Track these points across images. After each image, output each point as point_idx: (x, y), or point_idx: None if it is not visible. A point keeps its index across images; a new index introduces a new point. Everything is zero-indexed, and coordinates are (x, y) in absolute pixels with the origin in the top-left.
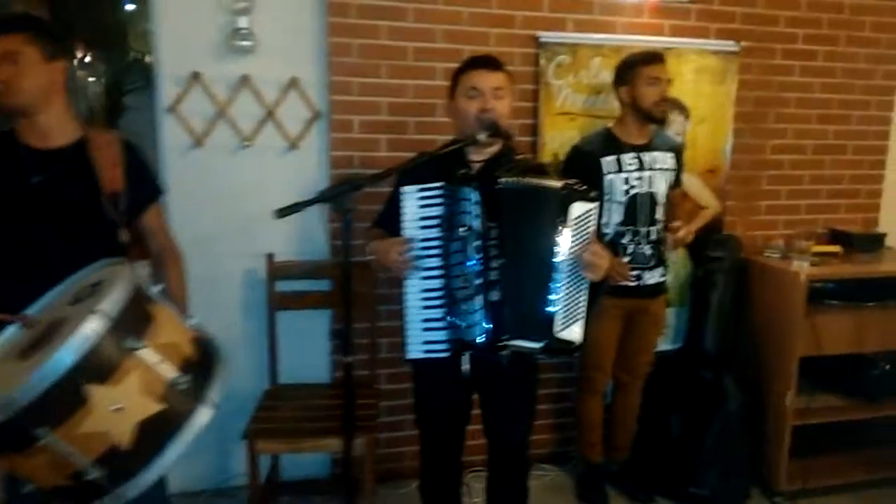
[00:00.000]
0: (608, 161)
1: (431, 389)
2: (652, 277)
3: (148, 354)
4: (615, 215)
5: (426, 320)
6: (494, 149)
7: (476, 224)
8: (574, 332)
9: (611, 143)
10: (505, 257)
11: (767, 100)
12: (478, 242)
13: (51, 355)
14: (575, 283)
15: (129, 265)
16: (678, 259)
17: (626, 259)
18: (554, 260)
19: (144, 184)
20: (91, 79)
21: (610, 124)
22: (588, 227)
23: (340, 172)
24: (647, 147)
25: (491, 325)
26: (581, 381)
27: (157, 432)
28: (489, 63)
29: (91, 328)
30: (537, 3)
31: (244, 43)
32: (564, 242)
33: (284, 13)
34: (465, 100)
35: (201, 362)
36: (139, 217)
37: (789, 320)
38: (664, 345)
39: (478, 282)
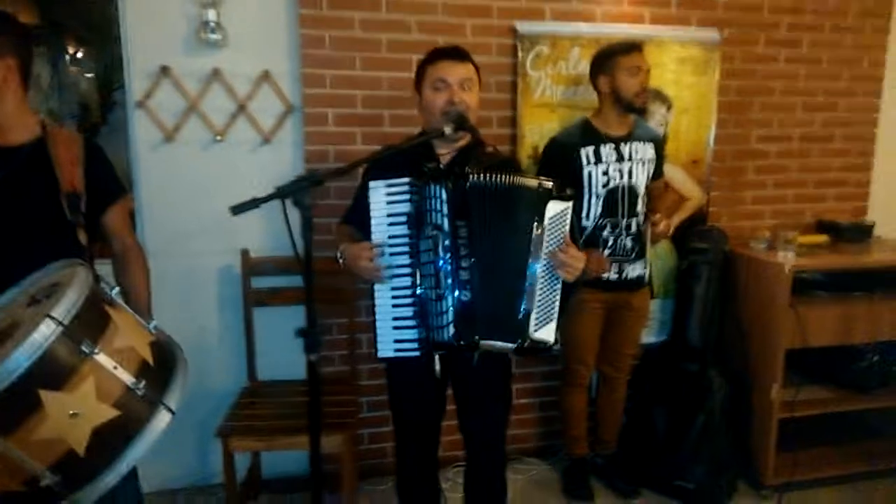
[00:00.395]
0: (587, 153)
1: (405, 386)
2: (634, 270)
3: (103, 359)
4: (595, 208)
5: (396, 318)
6: (463, 142)
7: (445, 223)
8: (548, 332)
9: (589, 135)
10: (475, 257)
11: (751, 89)
12: (447, 242)
13: (3, 361)
14: (549, 283)
15: (87, 267)
16: (663, 251)
17: (606, 252)
18: (527, 260)
19: (106, 183)
20: (88, 75)
21: (588, 115)
22: (563, 227)
23: (315, 167)
24: (627, 138)
25: (462, 326)
26: (565, 374)
27: (113, 438)
28: (456, 54)
29: (44, 333)
30: None
31: (213, 36)
32: (538, 242)
33: (254, 5)
34: (431, 92)
35: (160, 367)
36: (101, 217)
37: (774, 312)
38: (649, 337)
39: (448, 281)
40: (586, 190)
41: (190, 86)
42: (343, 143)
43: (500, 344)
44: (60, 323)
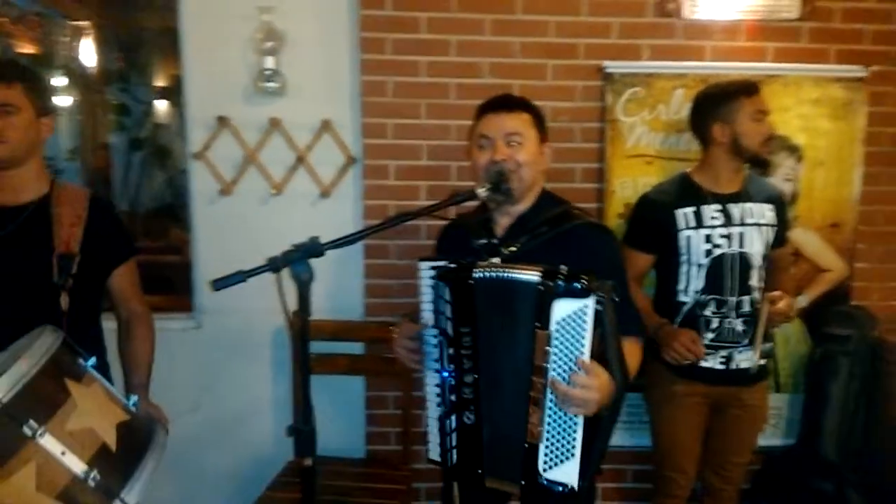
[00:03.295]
0: (684, 214)
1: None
2: (745, 360)
3: (50, 443)
4: (695, 281)
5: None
6: (525, 205)
7: (449, 328)
8: (565, 473)
9: (688, 193)
10: (479, 371)
11: None
12: (450, 350)
13: None
14: (561, 408)
15: (56, 334)
16: (793, 334)
17: (709, 336)
18: (529, 377)
19: (111, 243)
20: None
21: (688, 169)
22: (580, 332)
23: (374, 223)
24: (738, 197)
25: (465, 455)
26: (657, 482)
27: None
28: (503, 104)
29: None
30: (604, 29)
31: (271, 84)
32: (542, 354)
33: (315, 52)
34: (476, 151)
35: (125, 452)
36: (107, 279)
37: None
38: (772, 440)
39: (451, 398)
40: (684, 259)
41: (248, 136)
42: (405, 198)
43: (506, 482)
44: None
